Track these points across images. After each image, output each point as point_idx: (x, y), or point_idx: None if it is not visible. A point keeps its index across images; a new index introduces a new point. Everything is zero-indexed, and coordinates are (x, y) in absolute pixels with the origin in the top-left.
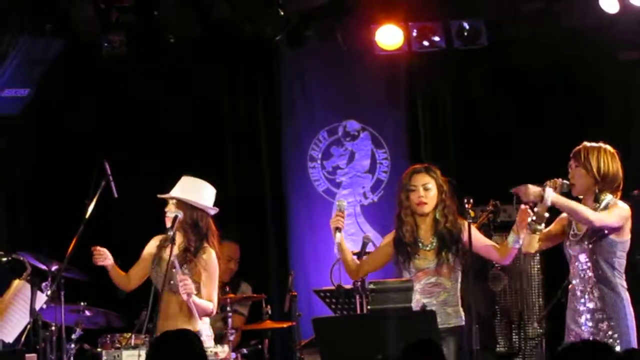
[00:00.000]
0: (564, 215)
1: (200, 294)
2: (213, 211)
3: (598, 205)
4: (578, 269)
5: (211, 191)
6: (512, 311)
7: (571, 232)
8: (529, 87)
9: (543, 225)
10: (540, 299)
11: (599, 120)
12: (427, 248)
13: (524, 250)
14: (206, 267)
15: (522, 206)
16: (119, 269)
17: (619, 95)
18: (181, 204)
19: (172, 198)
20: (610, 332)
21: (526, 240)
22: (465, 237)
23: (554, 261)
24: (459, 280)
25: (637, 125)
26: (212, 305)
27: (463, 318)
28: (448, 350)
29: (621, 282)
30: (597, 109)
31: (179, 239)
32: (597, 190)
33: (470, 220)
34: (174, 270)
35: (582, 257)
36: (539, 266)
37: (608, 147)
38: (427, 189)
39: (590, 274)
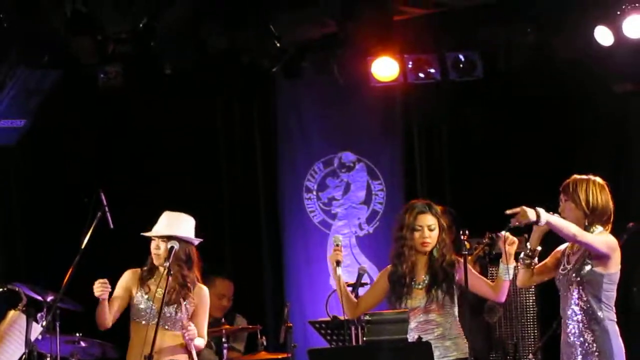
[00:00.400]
0: (559, 248)
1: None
2: (197, 242)
3: None
4: (567, 303)
5: (192, 222)
6: (507, 343)
7: (561, 267)
8: (524, 118)
9: (536, 259)
10: (536, 331)
11: (593, 152)
12: (419, 286)
13: (519, 285)
14: (200, 302)
15: (503, 233)
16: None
17: (613, 127)
18: (170, 239)
19: (167, 237)
20: None
21: (521, 274)
22: (460, 274)
23: (549, 292)
24: (455, 313)
25: (631, 157)
26: (204, 342)
27: (465, 350)
28: None
29: (609, 316)
30: (592, 140)
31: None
32: (586, 223)
33: (466, 253)
34: (179, 311)
35: (571, 291)
36: (533, 297)
37: (597, 179)
38: (432, 230)
39: (578, 307)
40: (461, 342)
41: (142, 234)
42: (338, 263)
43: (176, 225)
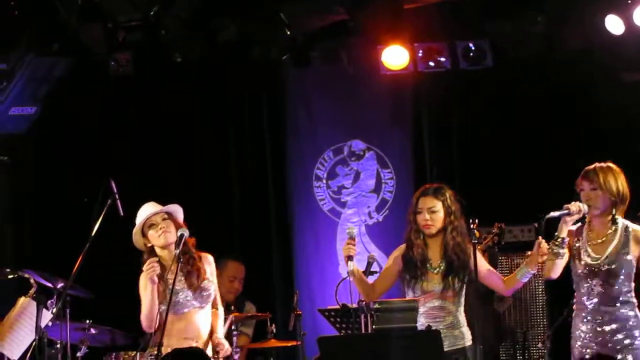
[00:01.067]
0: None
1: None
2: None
3: (615, 227)
4: (602, 292)
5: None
6: (516, 332)
7: (586, 253)
8: (534, 107)
9: (566, 249)
10: (545, 319)
11: (602, 140)
12: (435, 271)
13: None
14: (212, 271)
15: (540, 240)
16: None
17: (622, 116)
18: (172, 222)
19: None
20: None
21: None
22: (472, 262)
23: (558, 281)
24: (462, 302)
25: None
26: (222, 312)
27: (470, 338)
28: None
29: (634, 300)
30: (601, 129)
31: (169, 260)
32: (614, 210)
33: (475, 241)
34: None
35: (606, 281)
36: (543, 286)
37: (615, 166)
38: (433, 212)
39: (612, 296)
40: (466, 331)
41: (134, 228)
42: (350, 258)
43: (163, 207)
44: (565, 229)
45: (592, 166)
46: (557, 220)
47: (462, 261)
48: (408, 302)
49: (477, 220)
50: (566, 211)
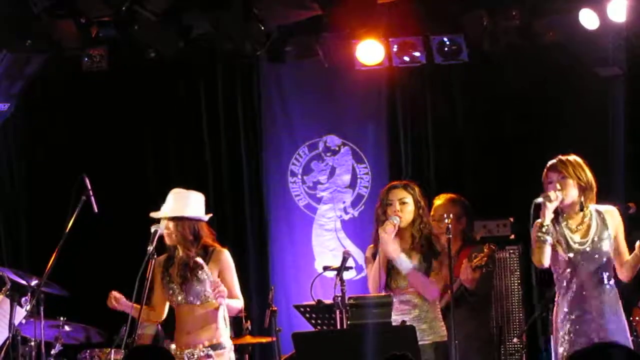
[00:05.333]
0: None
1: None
2: (207, 217)
3: (586, 214)
4: (588, 278)
5: (201, 198)
6: (491, 326)
7: (571, 240)
8: (509, 102)
9: (550, 236)
10: (521, 314)
11: (577, 135)
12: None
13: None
14: (227, 266)
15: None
16: (131, 303)
17: (597, 111)
18: (178, 220)
19: (175, 219)
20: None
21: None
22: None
23: (533, 276)
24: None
25: (616, 140)
26: (241, 302)
27: (443, 334)
28: None
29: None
30: (576, 124)
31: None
32: (582, 199)
33: (450, 236)
34: (204, 277)
35: (591, 266)
36: (518, 281)
37: (579, 157)
38: (404, 203)
39: (598, 281)
40: (437, 325)
41: (151, 214)
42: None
43: (183, 204)
44: (548, 216)
45: (556, 159)
46: (538, 208)
47: (428, 253)
48: (382, 298)
49: (451, 216)
50: (545, 199)
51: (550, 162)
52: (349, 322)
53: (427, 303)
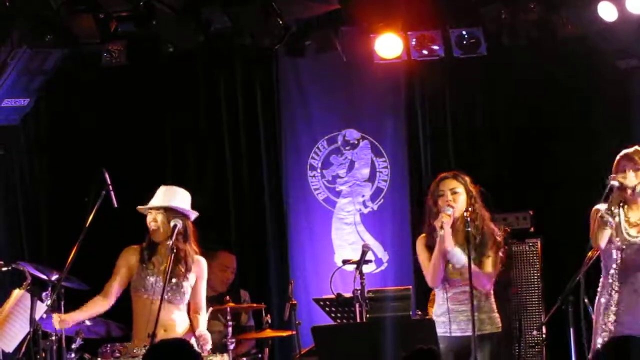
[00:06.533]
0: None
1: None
2: (194, 215)
3: None
4: (636, 271)
5: (188, 196)
6: (512, 318)
7: (629, 235)
8: (528, 95)
9: (612, 220)
10: (540, 307)
11: (597, 127)
12: None
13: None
14: (204, 275)
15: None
16: (78, 312)
17: (617, 103)
18: (170, 213)
19: (163, 208)
20: None
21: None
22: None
23: (553, 268)
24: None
25: (635, 132)
26: (206, 318)
27: (499, 324)
28: (483, 356)
29: None
30: (596, 116)
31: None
32: None
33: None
34: (183, 284)
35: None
36: (538, 274)
37: None
38: (455, 193)
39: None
40: (494, 317)
41: (137, 208)
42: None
43: (171, 197)
44: (615, 200)
45: (633, 148)
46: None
47: (484, 244)
48: (402, 291)
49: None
50: (616, 182)
51: (625, 150)
52: (368, 315)
53: (483, 294)
